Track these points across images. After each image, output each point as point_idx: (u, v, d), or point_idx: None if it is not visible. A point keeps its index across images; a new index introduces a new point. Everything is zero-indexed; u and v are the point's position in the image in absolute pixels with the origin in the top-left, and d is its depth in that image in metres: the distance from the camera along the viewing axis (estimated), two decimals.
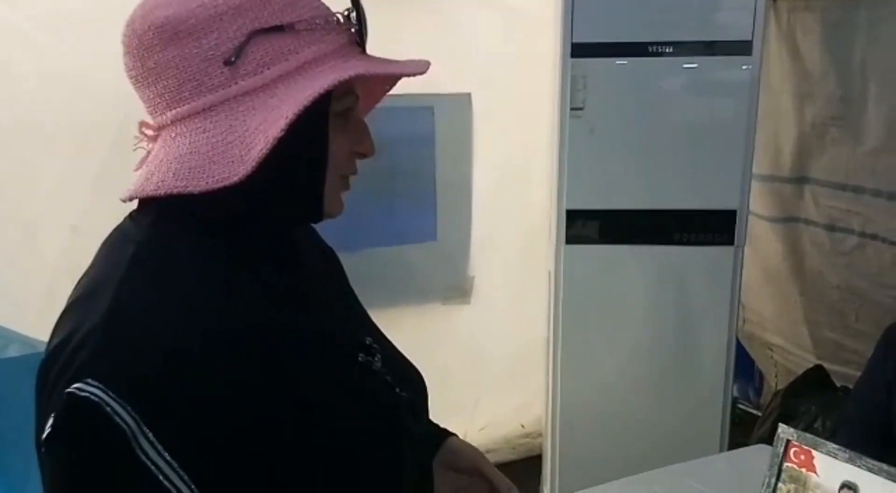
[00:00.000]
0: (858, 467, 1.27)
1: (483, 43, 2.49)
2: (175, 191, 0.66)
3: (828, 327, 2.63)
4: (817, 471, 1.32)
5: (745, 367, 3.03)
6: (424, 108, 2.44)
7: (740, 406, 3.06)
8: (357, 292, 0.93)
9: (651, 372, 2.33)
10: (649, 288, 2.27)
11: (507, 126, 2.55)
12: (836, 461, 1.30)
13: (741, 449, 1.86)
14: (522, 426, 2.83)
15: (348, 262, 0.95)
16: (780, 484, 1.35)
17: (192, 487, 0.61)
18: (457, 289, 2.61)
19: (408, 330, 2.47)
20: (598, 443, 2.32)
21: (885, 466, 1.28)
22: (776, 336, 2.87)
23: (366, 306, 0.92)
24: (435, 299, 2.60)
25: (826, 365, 2.63)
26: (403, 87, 0.80)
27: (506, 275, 2.67)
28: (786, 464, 1.36)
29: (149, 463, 0.60)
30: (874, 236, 2.41)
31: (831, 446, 1.31)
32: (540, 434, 2.62)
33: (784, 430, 1.36)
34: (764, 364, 3.02)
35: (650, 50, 2.13)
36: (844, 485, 1.30)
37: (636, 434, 2.29)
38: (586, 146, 2.17)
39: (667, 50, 2.13)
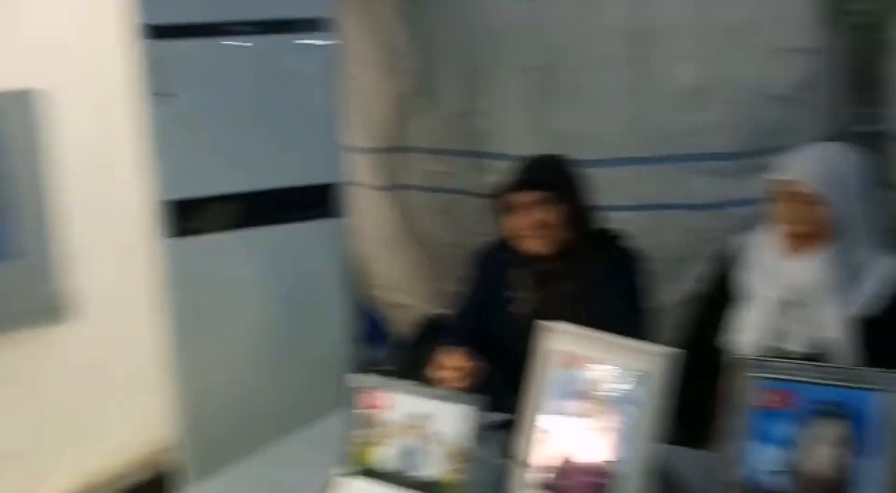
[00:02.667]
0: (421, 396, 1.39)
1: (46, 32, 2.26)
2: None
3: (445, 280, 2.88)
4: (387, 408, 1.42)
5: (382, 330, 3.21)
6: None
7: (380, 367, 3.22)
8: None
9: (278, 355, 2.33)
10: (262, 271, 2.27)
11: (87, 121, 2.35)
12: (401, 396, 1.41)
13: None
14: (150, 443, 2.66)
15: None
16: (355, 431, 1.43)
17: None
18: (49, 309, 2.36)
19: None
20: (232, 440, 2.27)
21: (443, 391, 1.43)
22: (403, 295, 3.08)
23: None
24: (23, 324, 2.33)
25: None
26: None
27: (110, 283, 2.48)
28: (358, 411, 1.43)
29: None
30: (465, 192, 2.69)
31: (394, 382, 1.42)
32: (171, 448, 2.45)
33: (351, 379, 1.44)
34: (401, 325, 3.22)
35: (225, 30, 2.12)
36: (412, 415, 1.41)
37: (269, 423, 2.29)
38: (175, 133, 2.09)
39: (243, 29, 2.13)
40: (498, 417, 1.62)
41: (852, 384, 1.10)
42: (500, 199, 1.92)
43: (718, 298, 1.95)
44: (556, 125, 2.34)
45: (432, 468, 1.35)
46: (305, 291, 2.35)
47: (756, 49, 1.92)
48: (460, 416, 1.30)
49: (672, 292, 2.47)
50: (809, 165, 1.76)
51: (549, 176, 1.89)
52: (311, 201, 2.29)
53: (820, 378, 1.12)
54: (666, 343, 1.99)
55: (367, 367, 3.39)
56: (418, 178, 2.78)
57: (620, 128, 2.26)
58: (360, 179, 2.79)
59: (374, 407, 1.42)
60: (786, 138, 2.06)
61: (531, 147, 2.39)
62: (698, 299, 2.05)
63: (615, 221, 2.39)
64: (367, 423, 1.42)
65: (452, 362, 1.60)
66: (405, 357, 2.89)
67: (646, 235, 2.46)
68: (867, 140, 1.99)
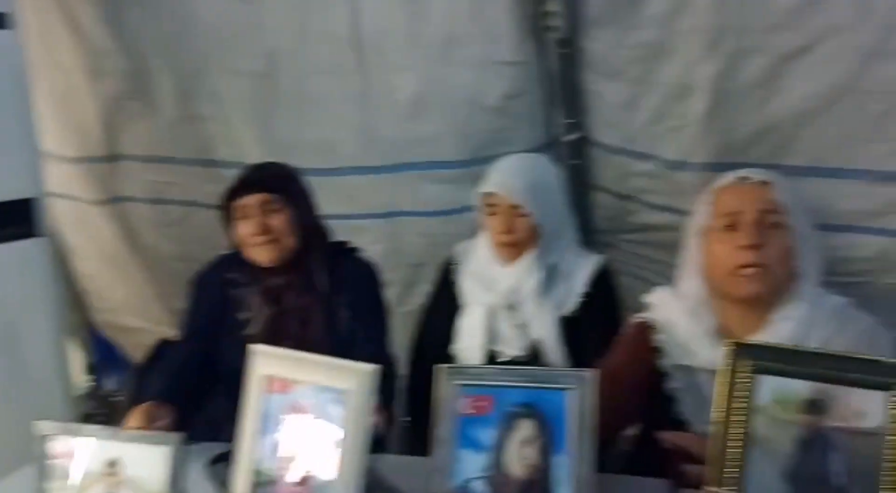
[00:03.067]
0: (114, 440, 1.25)
1: None
2: None
3: (178, 299, 2.69)
4: (77, 456, 1.26)
5: (113, 356, 2.95)
6: None
7: (115, 398, 2.96)
8: None
9: None
10: None
11: None
12: (93, 441, 1.26)
13: None
14: None
15: None
16: (45, 484, 1.26)
17: None
18: None
19: None
20: None
21: (137, 434, 1.30)
22: (133, 318, 2.84)
23: None
24: None
25: None
26: None
27: None
28: (48, 461, 1.26)
29: None
30: (194, 203, 2.52)
31: (84, 428, 1.26)
32: None
33: (38, 427, 1.27)
34: (130, 349, 2.97)
35: None
36: (105, 461, 1.26)
37: None
38: None
39: None
40: (219, 448, 1.53)
41: (544, 385, 1.16)
42: (224, 206, 1.82)
43: (444, 306, 2.01)
44: (283, 133, 2.26)
45: None
46: (7, 323, 2.05)
47: (468, 61, 1.98)
48: (158, 458, 1.19)
49: (413, 296, 2.53)
50: (509, 177, 1.87)
51: (273, 179, 1.84)
52: (12, 220, 2.01)
53: (514, 381, 1.16)
54: (409, 350, 2.04)
55: (99, 399, 3.11)
56: (139, 189, 2.56)
57: (351, 136, 2.24)
58: (71, 192, 2.51)
59: (64, 456, 1.26)
60: (503, 147, 2.17)
61: (259, 155, 2.30)
62: (426, 309, 2.09)
63: (353, 230, 2.40)
64: (58, 474, 1.25)
65: (137, 423, 1.45)
66: (135, 386, 2.65)
67: (383, 243, 2.50)
68: (574, 147, 2.16)
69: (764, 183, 1.49)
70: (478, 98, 2.06)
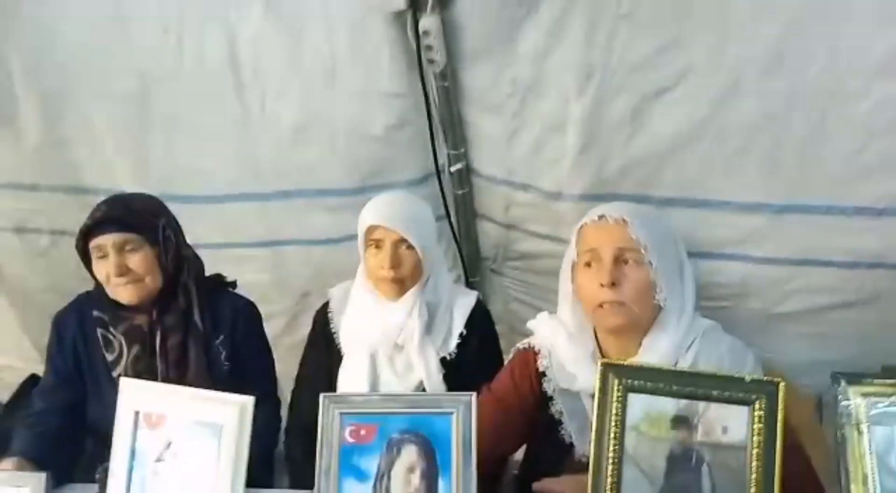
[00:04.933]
0: None
1: None
2: None
3: (47, 333, 2.52)
4: None
5: None
6: None
7: None
8: None
9: None
10: None
11: None
12: None
13: None
14: None
15: None
16: None
17: None
18: None
19: None
20: None
21: None
22: (2, 356, 2.64)
23: None
24: None
25: None
26: None
27: None
28: None
29: None
30: (63, 232, 2.38)
31: None
32: None
33: None
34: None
35: None
36: None
37: None
38: None
39: None
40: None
41: (427, 410, 1.16)
42: (80, 245, 1.72)
43: (322, 359, 1.93)
44: (158, 159, 2.17)
45: None
46: None
47: (350, 91, 1.98)
48: None
49: (299, 327, 2.48)
50: (393, 211, 1.81)
51: (129, 216, 1.73)
52: None
53: (397, 408, 1.16)
54: (288, 415, 1.93)
55: None
56: (3, 217, 2.39)
57: (231, 163, 2.18)
58: None
59: None
60: (391, 176, 2.19)
61: (130, 182, 2.21)
62: (304, 363, 1.99)
63: (236, 259, 2.33)
64: None
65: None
66: (1, 426, 2.46)
67: (268, 272, 2.45)
68: (460, 177, 2.20)
69: (623, 221, 1.51)
70: (361, 128, 2.06)
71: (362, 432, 1.15)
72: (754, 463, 1.10)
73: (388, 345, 1.84)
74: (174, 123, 2.09)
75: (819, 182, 1.79)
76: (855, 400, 1.11)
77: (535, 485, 1.41)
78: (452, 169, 2.17)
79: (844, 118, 1.68)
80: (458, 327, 1.87)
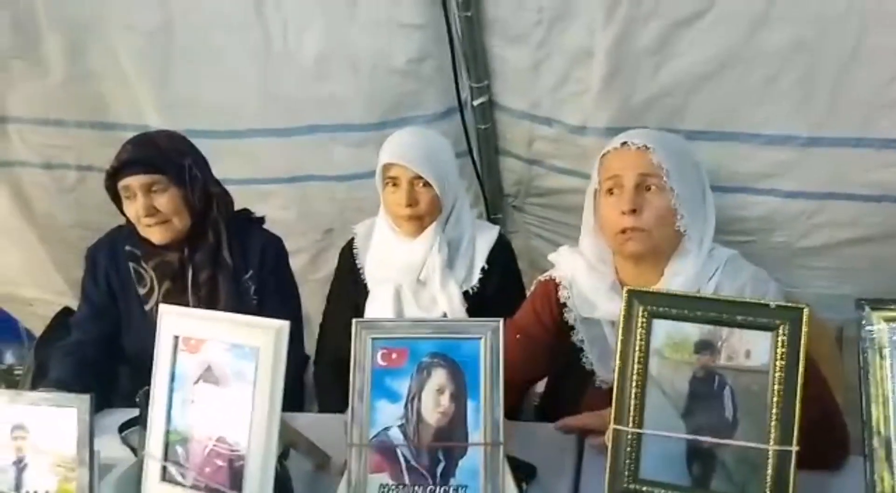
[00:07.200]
0: (16, 403, 1.21)
1: None
2: None
3: (78, 268, 2.58)
4: None
5: (11, 329, 2.82)
6: None
7: (16, 373, 2.84)
8: None
9: None
10: None
11: None
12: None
13: None
14: None
15: None
16: None
17: None
18: None
19: None
20: None
21: (42, 394, 1.26)
22: (31, 289, 2.71)
23: None
24: None
25: None
26: None
27: None
28: None
29: None
30: (90, 167, 2.41)
31: None
32: None
33: None
34: (30, 322, 2.84)
35: None
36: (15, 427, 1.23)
37: None
38: None
39: None
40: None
41: (455, 335, 1.19)
42: (108, 186, 1.75)
43: (349, 293, 1.96)
44: (181, 92, 2.17)
45: (42, 481, 1.19)
46: None
47: (372, 22, 1.95)
48: (65, 421, 1.15)
49: (325, 262, 2.51)
50: (408, 148, 1.81)
51: (155, 157, 1.73)
52: None
53: (426, 333, 1.19)
54: (317, 345, 1.98)
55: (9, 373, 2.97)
56: (29, 153, 2.42)
57: (253, 96, 2.18)
58: None
59: None
60: (413, 110, 2.18)
61: (156, 116, 2.22)
62: (330, 299, 2.03)
63: (259, 195, 2.35)
64: None
65: None
66: (37, 358, 2.54)
67: (292, 208, 2.47)
68: (482, 112, 2.19)
69: (645, 147, 1.51)
70: (383, 60, 2.04)
71: (393, 355, 1.19)
72: (776, 386, 1.12)
73: (412, 281, 1.87)
74: (197, 55, 2.09)
75: (848, 114, 1.76)
76: (878, 325, 1.12)
77: (556, 424, 1.45)
78: (475, 103, 2.15)
79: (878, 46, 1.64)
80: (481, 261, 1.90)
